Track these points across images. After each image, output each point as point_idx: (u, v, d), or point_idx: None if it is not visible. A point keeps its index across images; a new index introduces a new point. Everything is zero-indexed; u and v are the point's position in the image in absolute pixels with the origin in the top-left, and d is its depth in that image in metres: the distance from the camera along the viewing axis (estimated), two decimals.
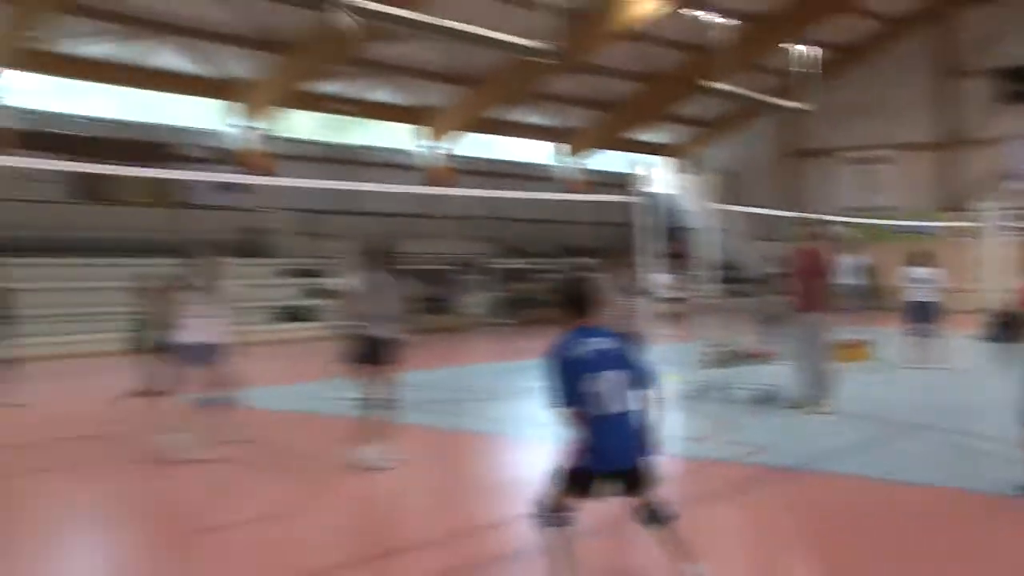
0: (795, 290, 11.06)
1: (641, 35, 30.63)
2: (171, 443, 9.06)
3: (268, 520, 7.04)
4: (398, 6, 20.31)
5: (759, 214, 20.06)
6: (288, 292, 25.54)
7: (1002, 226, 22.33)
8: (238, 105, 28.20)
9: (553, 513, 4.91)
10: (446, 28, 21.24)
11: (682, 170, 39.77)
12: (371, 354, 8.31)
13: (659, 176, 13.40)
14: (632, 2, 28.71)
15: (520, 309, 27.47)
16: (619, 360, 4.92)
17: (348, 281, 12.19)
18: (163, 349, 9.89)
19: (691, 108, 37.10)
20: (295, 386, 14.47)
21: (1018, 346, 12.38)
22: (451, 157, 33.45)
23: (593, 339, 4.93)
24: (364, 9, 19.35)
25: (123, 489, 8.38)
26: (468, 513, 7.28)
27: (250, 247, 25.95)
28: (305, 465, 8.69)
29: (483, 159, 35.09)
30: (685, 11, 28.65)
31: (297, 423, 11.60)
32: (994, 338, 17.29)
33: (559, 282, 5.23)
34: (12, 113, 23.96)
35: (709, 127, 40.35)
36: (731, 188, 28.52)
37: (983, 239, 22.26)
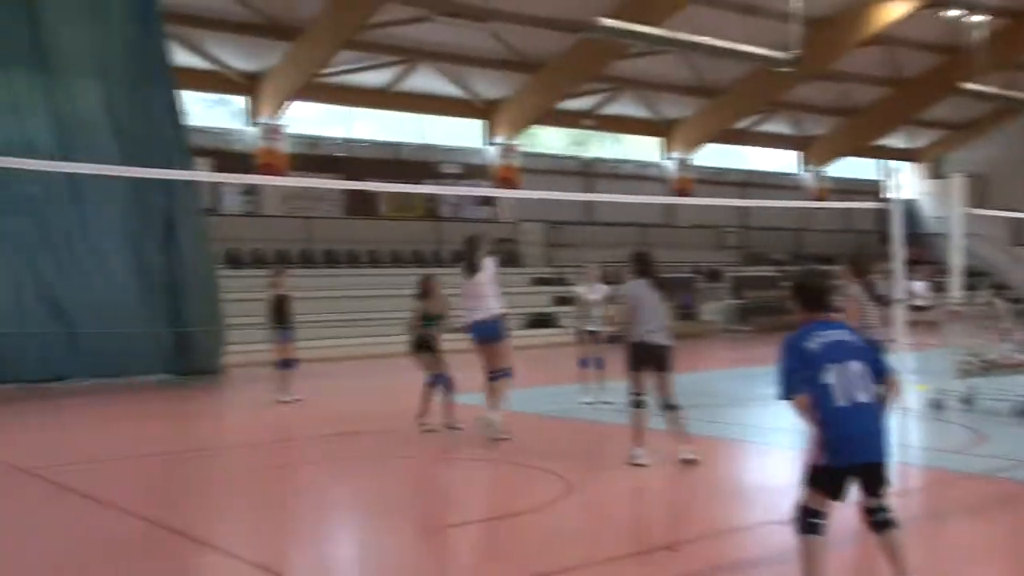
0: None
1: (887, 38, 29.94)
2: (447, 438, 9.88)
3: (519, 516, 7.30)
4: (641, 23, 21.18)
5: (1014, 219, 19.35)
6: (536, 300, 26.65)
7: None
8: (492, 124, 29.73)
9: (807, 519, 4.83)
10: (691, 43, 21.91)
11: (928, 175, 38.45)
12: (646, 360, 8.62)
13: (905, 181, 13.14)
14: (878, 6, 28.07)
15: (759, 316, 27.57)
16: (855, 351, 4.86)
17: (599, 289, 13.03)
18: (438, 346, 10.74)
19: (938, 111, 35.72)
20: (543, 388, 14.62)
21: None
22: (694, 168, 33.82)
23: (828, 331, 4.90)
24: (616, 29, 20.41)
25: (389, 481, 8.78)
26: (711, 517, 7.27)
27: (502, 257, 27.37)
28: (556, 465, 8.72)
29: (726, 169, 35.28)
30: (937, 12, 27.87)
31: (547, 425, 11.77)
32: None
33: (795, 277, 5.28)
34: (293, 140, 26.57)
35: (958, 130, 38.67)
36: (981, 192, 27.52)
37: None
